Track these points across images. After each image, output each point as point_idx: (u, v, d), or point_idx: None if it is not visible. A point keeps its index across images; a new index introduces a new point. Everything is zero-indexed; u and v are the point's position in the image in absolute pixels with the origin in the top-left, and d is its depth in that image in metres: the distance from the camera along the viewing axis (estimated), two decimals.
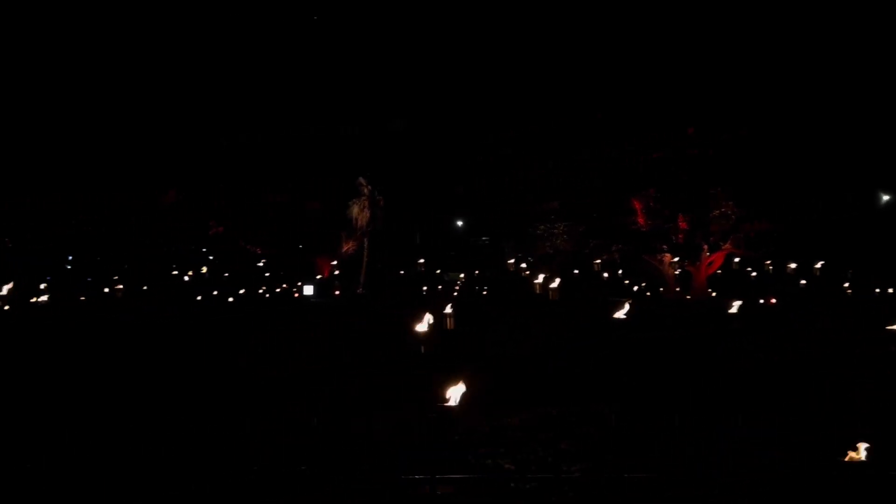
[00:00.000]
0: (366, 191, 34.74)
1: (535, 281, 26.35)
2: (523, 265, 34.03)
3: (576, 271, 33.59)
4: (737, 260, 35.49)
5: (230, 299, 31.04)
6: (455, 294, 29.22)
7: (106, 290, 31.74)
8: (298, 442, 8.15)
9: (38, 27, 38.12)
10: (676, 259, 32.77)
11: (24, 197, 36.47)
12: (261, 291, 33.44)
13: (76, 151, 37.79)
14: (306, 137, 39.87)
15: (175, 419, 9.30)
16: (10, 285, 27.28)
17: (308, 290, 33.10)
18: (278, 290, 34.11)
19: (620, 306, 16.33)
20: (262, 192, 37.82)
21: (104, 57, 39.26)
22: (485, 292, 31.37)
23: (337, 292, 32.72)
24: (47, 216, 36.65)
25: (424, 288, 32.60)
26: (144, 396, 10.76)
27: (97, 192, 37.44)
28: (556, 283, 24.63)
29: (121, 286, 31.50)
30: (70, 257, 35.96)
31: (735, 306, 18.76)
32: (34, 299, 28.42)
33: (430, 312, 13.80)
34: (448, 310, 16.27)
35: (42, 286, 30.22)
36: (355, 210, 34.68)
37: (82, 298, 30.14)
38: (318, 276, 34.70)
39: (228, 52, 40.83)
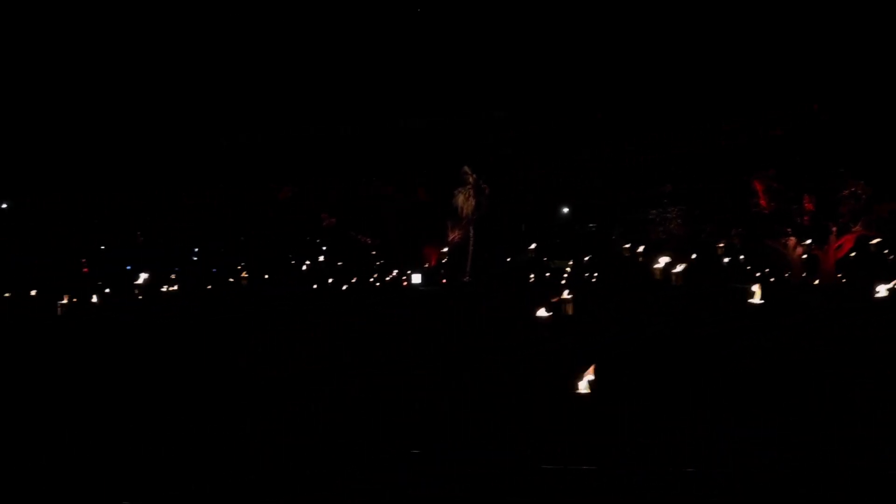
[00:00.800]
0: (471, 179, 34.82)
1: (655, 266, 25.32)
2: (639, 250, 32.86)
3: (693, 256, 32.07)
4: (874, 242, 32.85)
5: (343, 287, 32.02)
6: (563, 282, 28.73)
7: (231, 279, 33.48)
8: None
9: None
10: (808, 242, 30.65)
11: (154, 194, 39.25)
12: (372, 280, 34.27)
13: (202, 153, 40.16)
14: (411, 129, 40.40)
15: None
16: (146, 276, 29.49)
17: (416, 278, 33.59)
18: (388, 278, 34.81)
19: (752, 292, 15.57)
20: (371, 184, 38.77)
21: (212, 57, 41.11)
22: (594, 279, 30.65)
23: (444, 280, 33.02)
24: (174, 212, 39.23)
25: (532, 276, 32.25)
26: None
27: (220, 189, 39.70)
28: (679, 268, 23.59)
29: (245, 275, 33.18)
30: (196, 249, 38.16)
31: (883, 289, 17.28)
32: (165, 288, 30.45)
33: (551, 299, 13.65)
34: (566, 295, 16.19)
35: (172, 276, 32.35)
36: (461, 199, 34.87)
37: (209, 287, 31.93)
38: (426, 265, 35.16)
39: (333, 49, 41.79)
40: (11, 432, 8.99)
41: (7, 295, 27.99)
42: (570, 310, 16.30)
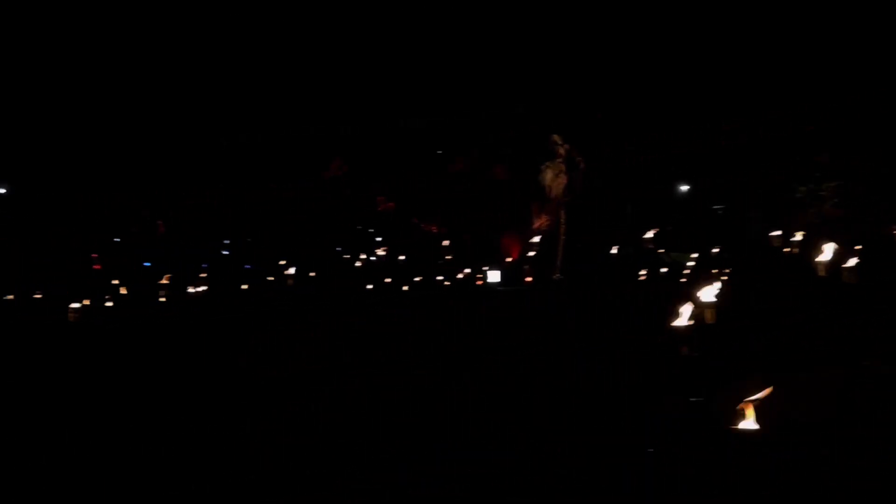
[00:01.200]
0: (561, 151, 28.27)
1: (819, 259, 19.11)
2: (795, 238, 25.85)
3: (858, 246, 24.98)
4: None
5: (405, 287, 26.79)
6: (683, 280, 22.35)
7: (271, 278, 29.27)
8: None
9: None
10: None
11: (186, 186, 35.84)
12: (439, 278, 28.69)
13: (245, 147, 37.22)
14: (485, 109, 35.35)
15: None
16: (169, 276, 25.69)
17: (493, 276, 27.62)
18: (460, 276, 29.05)
19: None
20: (437, 161, 33.39)
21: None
22: (725, 276, 23.82)
23: (528, 278, 26.85)
24: (203, 206, 35.73)
25: (642, 273, 25.76)
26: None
27: (262, 183, 36.23)
28: (852, 262, 17.61)
29: (292, 270, 28.60)
30: (226, 242, 34.20)
31: None
32: (192, 289, 26.48)
33: (689, 303, 10.00)
34: (707, 298, 11.36)
35: (201, 275, 28.16)
36: (549, 176, 27.92)
37: (244, 287, 27.87)
38: (506, 259, 29.16)
39: (408, 35, 38.10)
40: (10, 433, 8.77)
41: (9, 297, 24.87)
42: (711, 317, 11.46)
